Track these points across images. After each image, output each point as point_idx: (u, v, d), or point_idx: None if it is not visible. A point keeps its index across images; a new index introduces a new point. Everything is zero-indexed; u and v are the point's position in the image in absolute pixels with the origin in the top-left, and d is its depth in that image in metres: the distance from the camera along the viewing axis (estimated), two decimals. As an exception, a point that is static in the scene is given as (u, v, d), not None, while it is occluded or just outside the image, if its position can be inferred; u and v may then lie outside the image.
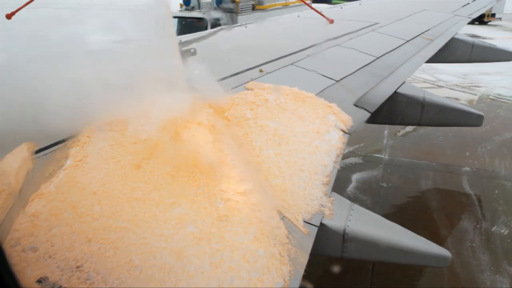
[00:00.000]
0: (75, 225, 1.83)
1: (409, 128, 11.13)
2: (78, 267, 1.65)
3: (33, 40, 3.21)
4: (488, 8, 17.10)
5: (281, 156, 2.63)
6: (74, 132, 2.51)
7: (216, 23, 15.60)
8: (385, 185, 8.46)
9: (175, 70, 2.92)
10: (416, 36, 6.95)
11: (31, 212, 1.87)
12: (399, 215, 7.53)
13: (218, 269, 1.72)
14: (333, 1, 30.87)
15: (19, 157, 2.22)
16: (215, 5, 17.47)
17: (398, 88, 4.81)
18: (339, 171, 2.71)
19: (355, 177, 8.52)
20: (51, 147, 2.43)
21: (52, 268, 1.63)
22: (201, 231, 1.88)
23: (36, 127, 2.31)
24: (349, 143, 3.10)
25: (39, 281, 1.58)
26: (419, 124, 5.78)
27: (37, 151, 2.37)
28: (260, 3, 19.98)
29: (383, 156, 9.76)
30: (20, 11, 4.65)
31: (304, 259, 1.93)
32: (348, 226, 2.30)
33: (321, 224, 2.21)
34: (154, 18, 3.15)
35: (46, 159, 2.32)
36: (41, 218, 1.84)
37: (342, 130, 3.16)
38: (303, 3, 6.87)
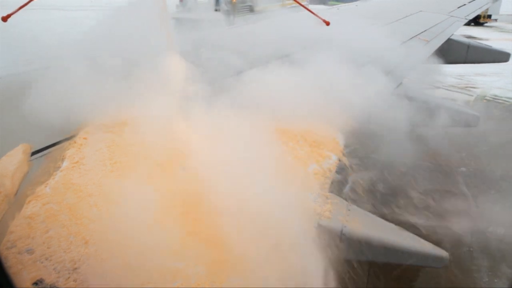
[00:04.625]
0: (71, 227, 1.82)
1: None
2: (75, 269, 1.64)
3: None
4: (484, 9, 17.17)
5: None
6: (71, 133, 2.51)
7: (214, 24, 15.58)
8: (382, 186, 8.47)
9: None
10: (413, 37, 6.97)
11: (27, 214, 1.86)
12: (396, 215, 7.53)
13: (215, 272, 1.71)
14: (329, 2, 30.96)
15: (15, 159, 2.21)
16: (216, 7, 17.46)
17: (394, 89, 4.82)
18: (336, 171, 2.72)
19: (352, 177, 8.54)
20: (47, 148, 2.43)
21: (49, 270, 1.63)
22: (199, 234, 1.88)
23: None
24: (346, 144, 3.10)
25: (35, 283, 1.57)
26: (415, 125, 5.78)
27: (34, 153, 2.36)
28: (257, 5, 20.00)
29: (380, 157, 9.77)
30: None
31: (301, 259, 1.93)
32: (345, 226, 2.30)
33: (319, 224, 2.21)
34: None
35: (42, 161, 2.31)
36: (37, 220, 1.84)
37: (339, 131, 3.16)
38: (300, 5, 6.87)
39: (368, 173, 8.91)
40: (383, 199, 8.00)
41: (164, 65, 3.03)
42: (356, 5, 11.19)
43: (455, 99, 13.68)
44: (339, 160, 2.86)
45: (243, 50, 4.67)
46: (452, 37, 8.15)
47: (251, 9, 19.86)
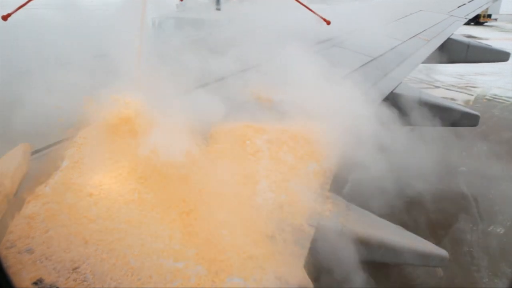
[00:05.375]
0: (71, 226, 1.82)
1: (405, 129, 11.14)
2: (74, 268, 1.64)
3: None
4: (484, 9, 17.19)
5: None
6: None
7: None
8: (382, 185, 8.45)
9: None
10: (413, 37, 6.97)
11: (27, 214, 1.86)
12: (396, 215, 7.53)
13: (215, 272, 1.71)
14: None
15: (15, 159, 2.21)
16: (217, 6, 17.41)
17: (394, 88, 4.82)
18: (336, 171, 2.71)
19: (352, 177, 8.52)
20: (47, 148, 2.43)
21: (49, 269, 1.62)
22: (198, 234, 1.88)
23: None
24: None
25: (35, 283, 1.57)
26: (415, 124, 5.79)
27: (34, 152, 2.36)
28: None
29: (379, 156, 9.76)
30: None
31: (301, 259, 1.93)
32: (345, 226, 2.30)
33: (319, 224, 2.21)
34: None
35: (42, 160, 2.31)
36: (37, 220, 1.83)
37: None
38: (300, 4, 6.87)
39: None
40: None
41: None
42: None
43: (455, 98, 13.69)
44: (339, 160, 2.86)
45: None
46: (452, 37, 8.16)
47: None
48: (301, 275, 1.84)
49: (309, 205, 2.27)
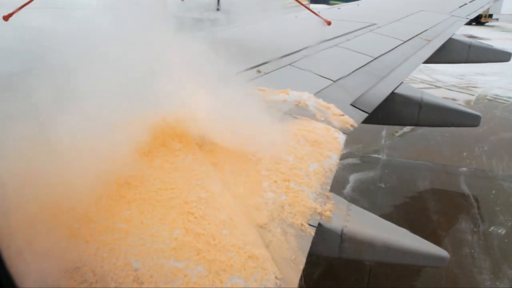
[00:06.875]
0: (72, 226, 1.82)
1: (406, 129, 11.15)
2: (75, 268, 1.64)
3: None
4: (485, 8, 17.16)
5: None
6: None
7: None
8: (383, 186, 8.46)
9: None
10: (414, 37, 6.97)
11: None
12: (397, 215, 7.53)
13: (216, 272, 1.71)
14: (330, 2, 30.94)
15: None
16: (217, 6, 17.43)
17: (395, 88, 4.81)
18: (337, 171, 2.71)
19: (353, 177, 8.52)
20: None
21: (49, 269, 1.62)
22: (199, 234, 1.88)
23: None
24: (346, 144, 3.10)
25: (36, 283, 1.57)
26: (416, 124, 5.80)
27: None
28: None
29: (380, 157, 9.77)
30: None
31: (301, 259, 1.93)
32: (345, 226, 2.30)
33: (319, 224, 2.21)
34: None
35: None
36: (38, 219, 1.83)
37: (340, 131, 3.16)
38: (301, 4, 6.88)
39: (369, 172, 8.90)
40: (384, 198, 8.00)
41: None
42: (358, 5, 11.19)
43: (456, 99, 13.69)
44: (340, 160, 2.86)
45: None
46: (453, 37, 8.15)
47: (252, 9, 19.80)
48: (300, 275, 1.84)
49: (309, 205, 2.26)
